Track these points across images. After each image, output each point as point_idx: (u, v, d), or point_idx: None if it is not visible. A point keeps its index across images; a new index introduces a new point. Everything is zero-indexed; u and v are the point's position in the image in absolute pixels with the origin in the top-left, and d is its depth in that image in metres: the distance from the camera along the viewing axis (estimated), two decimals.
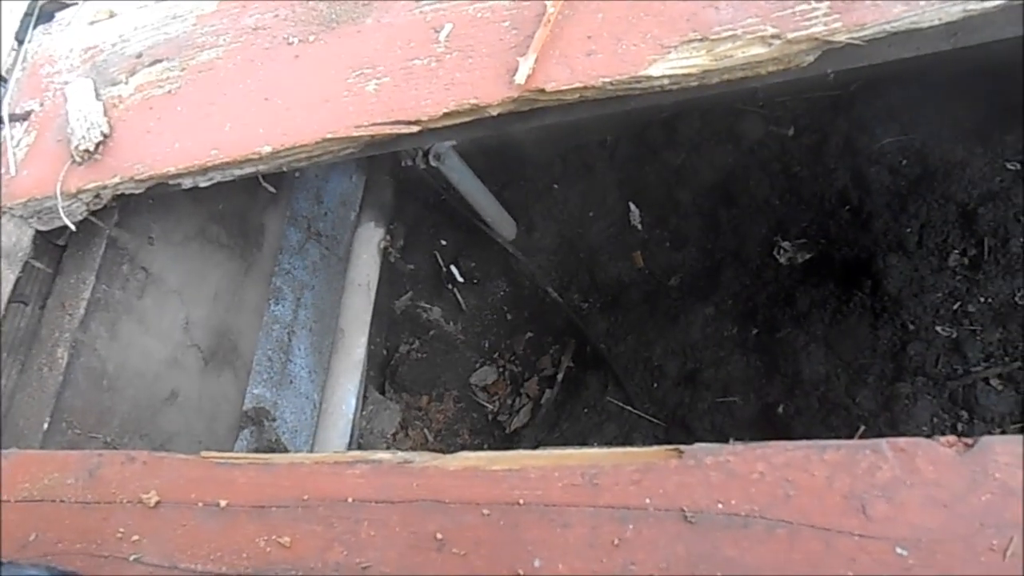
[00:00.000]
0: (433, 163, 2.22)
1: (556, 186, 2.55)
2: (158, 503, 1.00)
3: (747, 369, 2.09)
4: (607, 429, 2.22)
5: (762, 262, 2.18)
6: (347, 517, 0.85)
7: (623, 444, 2.18)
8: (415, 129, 1.07)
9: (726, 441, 2.10)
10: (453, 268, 2.69)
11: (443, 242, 2.74)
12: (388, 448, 2.58)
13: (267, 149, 1.20)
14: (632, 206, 2.43)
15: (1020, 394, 1.77)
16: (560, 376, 2.45)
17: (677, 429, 2.13)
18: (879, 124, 2.13)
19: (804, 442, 0.67)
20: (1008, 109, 2.00)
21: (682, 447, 0.70)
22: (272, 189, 2.03)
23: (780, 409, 1.99)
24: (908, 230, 2.00)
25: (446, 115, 1.04)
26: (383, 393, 2.65)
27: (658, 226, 2.38)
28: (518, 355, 2.59)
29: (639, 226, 2.41)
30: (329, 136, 1.14)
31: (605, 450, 0.73)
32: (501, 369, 2.60)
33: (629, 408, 2.21)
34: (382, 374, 2.68)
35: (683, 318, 2.21)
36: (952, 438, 0.62)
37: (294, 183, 2.36)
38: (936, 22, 0.79)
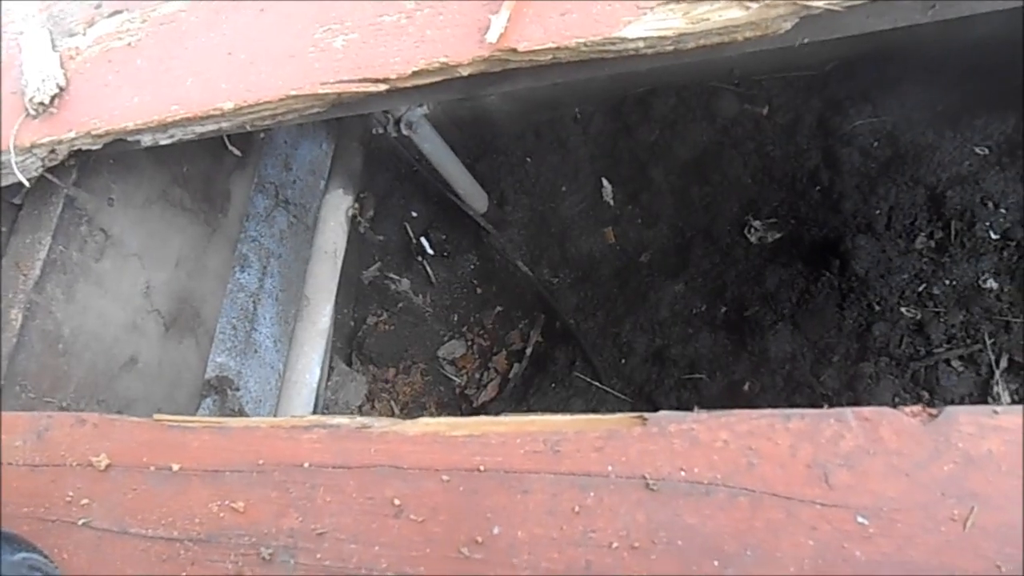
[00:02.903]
0: (405, 132, 2.18)
1: (529, 160, 2.52)
2: (108, 466, 0.97)
3: (714, 346, 2.10)
4: (574, 404, 2.21)
5: (732, 240, 2.18)
6: (303, 482, 0.83)
7: None
8: (383, 88, 1.04)
9: None
10: (423, 240, 2.66)
11: (414, 213, 2.70)
12: None
13: (229, 105, 1.16)
14: (605, 182, 2.41)
15: (980, 376, 1.79)
16: (529, 351, 2.44)
17: (644, 405, 2.13)
18: (852, 105, 2.13)
19: (768, 411, 0.66)
20: (978, 94, 2.02)
21: (646, 414, 0.69)
22: (238, 152, 1.98)
23: (746, 387, 2.00)
24: (877, 212, 2.00)
25: (415, 74, 1.01)
26: (349, 364, 2.62)
27: (630, 202, 2.37)
28: (487, 329, 2.57)
29: (611, 202, 2.40)
30: (294, 93, 1.11)
31: (568, 417, 0.72)
32: (469, 343, 2.59)
33: (596, 383, 2.21)
34: (349, 345, 2.65)
35: (652, 295, 2.21)
36: (917, 408, 0.61)
37: (263, 149, 2.31)
38: None
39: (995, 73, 1.99)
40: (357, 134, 2.17)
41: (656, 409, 2.09)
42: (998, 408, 0.59)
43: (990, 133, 1.99)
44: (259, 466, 0.85)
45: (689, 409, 2.11)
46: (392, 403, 2.58)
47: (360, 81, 1.05)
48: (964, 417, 0.60)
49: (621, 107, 2.42)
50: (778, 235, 2.15)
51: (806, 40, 0.94)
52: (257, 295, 2.29)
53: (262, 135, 2.07)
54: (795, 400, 1.93)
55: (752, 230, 2.17)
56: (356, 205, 2.11)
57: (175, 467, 0.91)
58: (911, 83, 2.10)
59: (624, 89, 2.40)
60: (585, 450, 0.69)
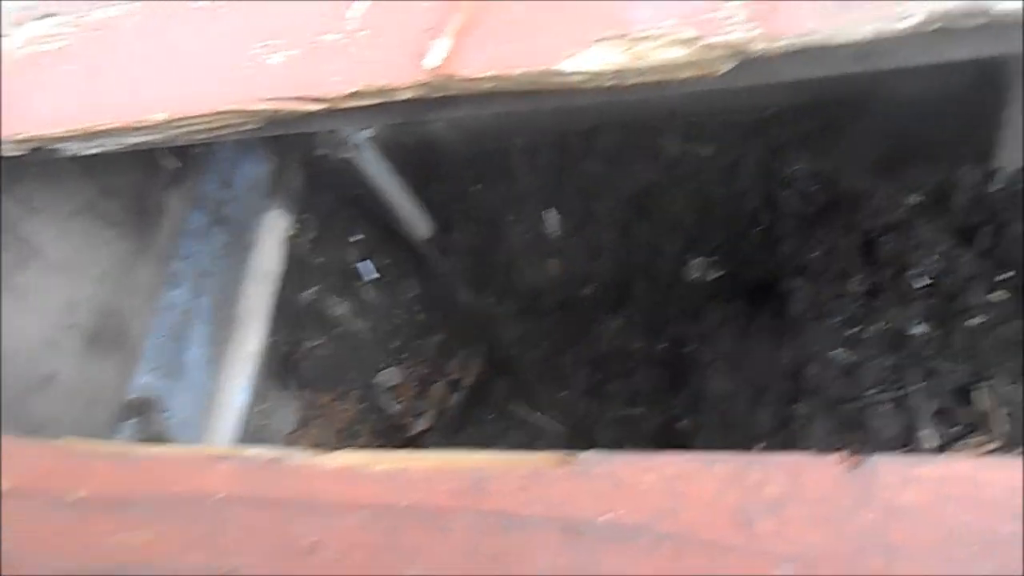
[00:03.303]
0: (349, 154, 2.16)
1: (476, 187, 2.51)
2: (9, 491, 0.90)
3: (653, 383, 2.10)
4: (511, 437, 2.19)
5: (674, 277, 2.20)
6: (211, 517, 0.78)
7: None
8: (320, 107, 1.01)
9: None
10: (365, 264, 2.61)
11: (357, 237, 2.66)
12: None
13: (160, 117, 1.12)
14: (550, 213, 2.41)
15: (908, 420, 1.83)
16: (468, 381, 2.41)
17: (581, 440, 2.12)
18: (792, 150, 2.18)
19: (696, 453, 0.64)
20: (912, 144, 2.09)
21: (572, 453, 0.67)
22: (174, 166, 1.92)
23: (682, 424, 2.01)
24: (814, 255, 2.04)
25: (353, 95, 0.99)
26: (284, 389, 2.55)
27: (575, 235, 2.37)
28: (426, 357, 2.54)
29: (556, 234, 2.40)
30: (228, 108, 1.07)
31: (494, 453, 0.70)
32: (408, 371, 2.54)
33: (534, 416, 2.19)
34: (284, 369, 2.58)
35: (594, 328, 2.21)
36: (842, 455, 0.61)
37: (202, 164, 2.25)
38: (849, 40, 0.79)
39: (927, 126, 2.06)
40: (300, 154, 2.14)
41: (593, 444, 2.09)
42: (922, 457, 0.59)
43: (922, 183, 2.06)
44: (166, 497, 0.81)
45: (626, 445, 2.11)
46: (326, 430, 2.52)
47: (296, 99, 1.02)
48: (886, 466, 0.60)
49: (569, 140, 2.43)
50: (718, 274, 2.18)
51: (745, 83, 0.95)
52: (189, 314, 2.21)
53: (196, 149, 2.02)
54: (730, 439, 1.94)
55: (693, 268, 2.19)
56: (296, 226, 2.06)
57: (78, 495, 0.86)
58: (849, 131, 2.16)
59: (571, 123, 2.42)
60: (510, 489, 0.67)
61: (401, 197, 2.38)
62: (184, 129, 1.15)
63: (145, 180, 1.91)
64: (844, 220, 2.05)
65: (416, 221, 2.45)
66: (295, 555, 0.72)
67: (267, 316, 2.00)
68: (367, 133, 2.17)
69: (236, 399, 1.84)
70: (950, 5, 0.75)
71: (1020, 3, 0.75)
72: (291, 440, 2.49)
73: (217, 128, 1.15)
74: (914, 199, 2.03)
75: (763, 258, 2.11)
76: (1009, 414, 1.74)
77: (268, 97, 1.05)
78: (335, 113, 1.09)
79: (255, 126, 1.15)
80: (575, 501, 0.65)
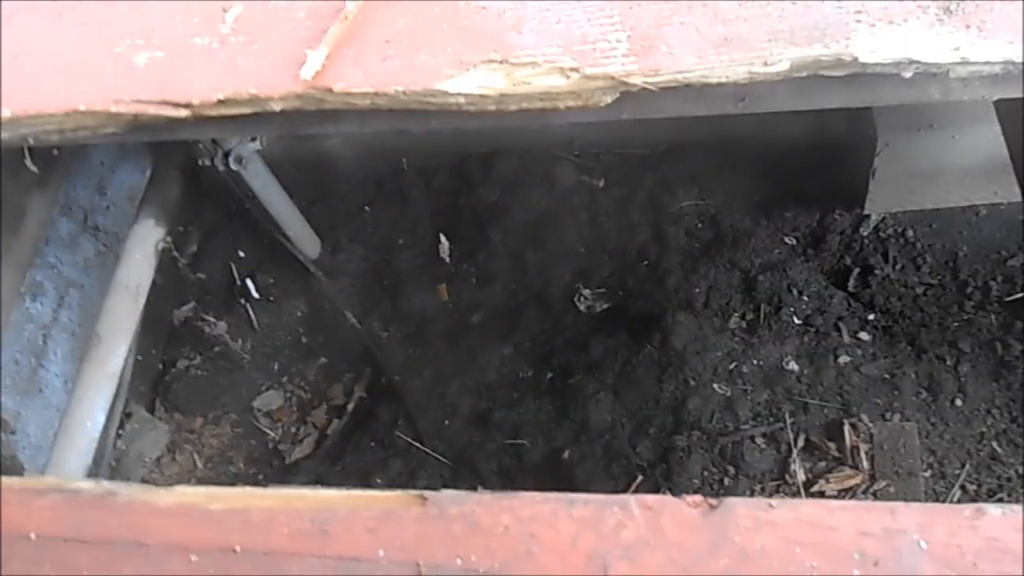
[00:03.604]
0: (234, 166, 2.06)
1: (367, 208, 2.46)
2: None
3: (538, 412, 2.08)
4: (392, 465, 2.12)
5: (563, 307, 2.20)
6: (27, 558, 0.70)
7: (408, 482, 2.09)
8: (184, 113, 0.95)
9: (512, 483, 2.07)
10: (249, 282, 2.50)
11: (241, 253, 2.54)
12: (149, 474, 2.32)
13: (6, 114, 1.02)
14: (443, 238, 2.38)
15: (780, 453, 1.88)
16: (351, 407, 2.33)
17: (464, 469, 2.08)
18: (681, 186, 2.24)
19: (554, 495, 0.62)
20: (789, 188, 2.18)
21: (427, 493, 0.63)
22: (34, 168, 1.77)
23: (566, 455, 2.00)
24: (697, 290, 2.09)
25: (221, 102, 0.93)
26: (152, 412, 2.39)
27: (466, 261, 2.35)
28: (308, 381, 2.43)
29: (447, 259, 2.37)
30: (83, 108, 0.99)
31: (343, 492, 0.65)
32: (289, 394, 2.43)
33: (417, 445, 2.13)
34: (154, 390, 2.42)
35: (481, 356, 2.18)
36: (698, 498, 0.60)
37: (70, 168, 2.10)
38: (724, 80, 0.80)
39: (804, 171, 2.16)
40: (177, 162, 2.02)
41: (476, 474, 2.06)
42: (774, 501, 0.59)
43: (797, 225, 2.15)
44: None
45: (510, 475, 2.07)
46: (195, 456, 2.37)
47: (159, 103, 0.95)
48: (741, 510, 0.59)
49: (464, 165, 2.41)
50: (606, 305, 2.19)
51: (629, 116, 0.95)
52: (49, 328, 2.05)
53: (66, 153, 1.88)
54: (612, 470, 1.95)
55: (582, 298, 2.20)
56: (169, 239, 1.94)
57: None
58: (734, 172, 2.24)
59: (468, 147, 2.41)
60: (356, 531, 0.62)
61: (290, 214, 2.29)
62: (33, 128, 1.05)
63: (4, 181, 1.76)
64: (726, 257, 2.11)
65: (305, 240, 2.37)
66: None
67: (133, 333, 1.87)
68: (254, 146, 2.07)
69: (90, 424, 1.70)
70: (817, 54, 0.77)
71: (886, 57, 0.78)
72: (156, 467, 2.34)
73: (72, 129, 1.06)
74: (790, 240, 2.12)
75: (649, 291, 2.14)
76: (870, 451, 1.82)
77: (128, 99, 0.98)
78: (204, 121, 1.03)
79: (116, 130, 1.07)
80: (427, 545, 0.61)
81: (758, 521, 0.58)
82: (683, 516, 0.60)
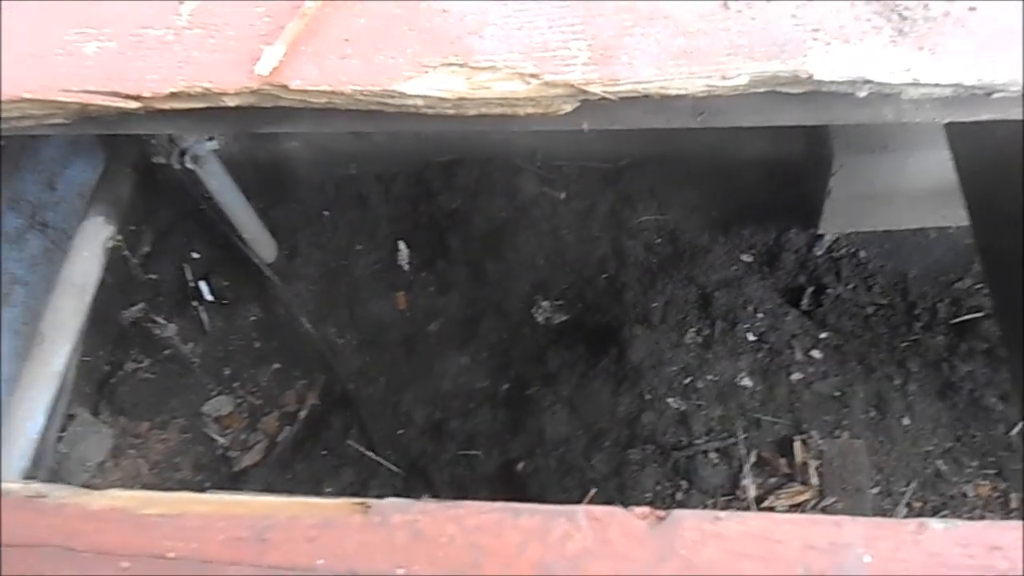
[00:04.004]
0: (189, 165, 2.02)
1: (326, 213, 2.42)
2: None
3: (493, 423, 2.07)
4: (344, 474, 2.09)
5: (521, 318, 2.19)
6: None
7: (359, 491, 2.06)
8: (135, 105, 0.92)
9: (464, 494, 2.05)
10: (202, 284, 2.44)
11: (195, 255, 2.49)
12: (91, 479, 2.25)
13: None
14: (402, 245, 2.36)
15: (732, 468, 1.90)
16: (303, 413, 2.29)
17: (417, 479, 2.05)
18: (640, 201, 2.26)
19: (501, 504, 0.61)
20: (747, 206, 2.21)
21: (369, 501, 0.61)
22: None
23: (520, 466, 1.99)
24: (654, 305, 2.10)
25: (173, 95, 0.90)
26: (96, 415, 2.32)
27: (425, 269, 2.33)
28: (261, 387, 2.38)
29: (406, 266, 2.35)
30: (28, 96, 0.96)
31: (283, 499, 0.63)
32: (240, 400, 2.38)
33: (370, 454, 2.10)
34: (99, 392, 2.35)
35: (438, 365, 2.16)
36: (646, 509, 0.59)
37: (21, 162, 2.04)
38: (682, 91, 0.80)
39: (761, 190, 2.20)
40: (131, 159, 1.97)
41: (429, 484, 2.03)
42: (721, 514, 0.58)
43: (754, 243, 2.18)
44: None
45: (463, 486, 2.05)
46: (140, 461, 2.30)
47: (108, 94, 0.93)
48: (688, 522, 0.58)
49: (426, 172, 2.40)
50: (564, 317, 2.19)
51: (587, 127, 0.95)
52: None
53: (12, 145, 1.82)
54: (566, 483, 1.94)
55: (540, 310, 2.20)
56: (120, 237, 1.89)
57: None
58: (693, 188, 2.26)
59: (430, 154, 2.39)
60: (296, 540, 0.60)
61: (247, 216, 2.25)
62: None
63: None
64: (684, 273, 2.13)
65: (261, 243, 2.33)
66: None
67: (78, 332, 1.81)
68: (211, 145, 2.04)
69: (30, 425, 1.64)
70: (774, 70, 0.78)
71: (841, 75, 0.79)
72: (99, 471, 2.27)
73: (16, 119, 1.02)
74: (747, 257, 2.15)
75: (607, 305, 2.15)
76: (819, 467, 1.84)
77: (76, 89, 0.95)
78: (155, 115, 1.00)
79: (64, 120, 1.03)
80: (368, 554, 0.59)
81: (705, 533, 0.58)
82: (630, 527, 0.59)
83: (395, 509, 0.61)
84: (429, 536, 0.60)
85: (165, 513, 0.64)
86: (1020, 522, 0.55)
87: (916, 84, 0.77)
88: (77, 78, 0.95)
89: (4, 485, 0.71)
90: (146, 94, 0.91)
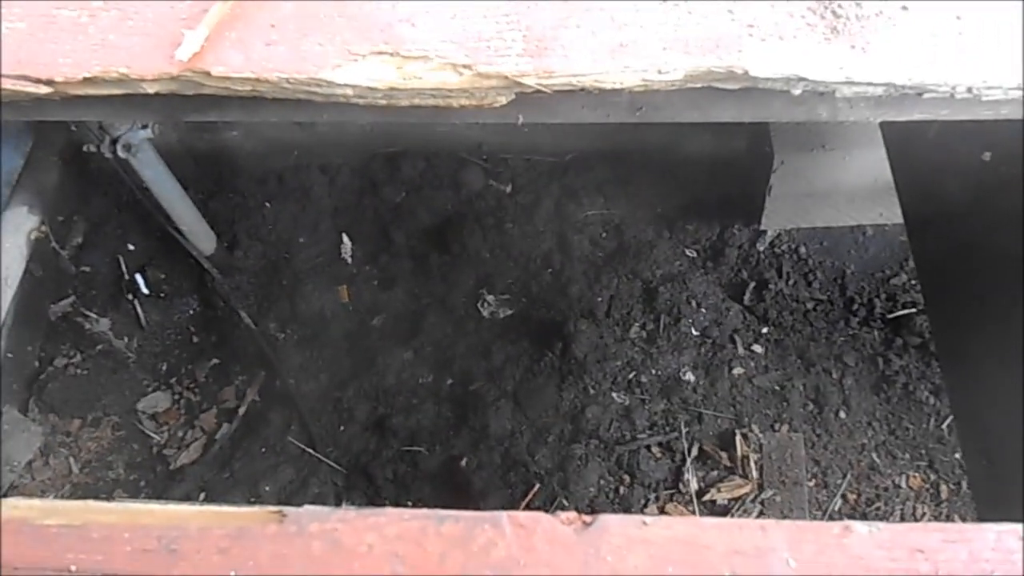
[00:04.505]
0: (122, 154, 1.94)
1: (267, 205, 2.36)
2: None
3: (437, 419, 2.05)
4: (283, 472, 2.04)
5: (466, 312, 2.17)
6: None
7: (299, 489, 2.01)
8: (46, 90, 0.87)
9: (407, 491, 2.01)
10: (138, 277, 2.36)
11: (130, 246, 2.41)
12: (19, 479, 2.16)
13: None
14: (345, 238, 2.32)
15: (674, 462, 1.91)
16: (242, 410, 2.23)
17: (358, 476, 2.02)
18: (586, 195, 2.25)
19: (423, 511, 0.59)
20: (691, 202, 2.22)
21: (285, 509, 0.59)
22: None
23: (464, 462, 1.97)
24: (599, 299, 2.10)
25: (87, 81, 0.85)
26: (24, 412, 2.23)
27: (368, 262, 2.29)
28: (199, 383, 2.31)
29: (349, 259, 2.30)
30: None
31: (193, 508, 0.60)
32: (177, 396, 2.31)
33: (311, 451, 2.06)
34: (27, 389, 2.26)
35: (380, 360, 2.13)
36: (572, 515, 0.57)
37: None
38: (618, 85, 0.78)
39: (705, 186, 2.21)
40: (57, 147, 1.89)
41: (371, 482, 2.00)
42: (648, 519, 0.57)
43: (698, 238, 2.19)
44: None
45: (405, 483, 2.02)
46: (71, 460, 2.22)
47: (18, 78, 0.87)
48: (615, 527, 0.57)
49: (370, 164, 2.36)
50: (509, 312, 2.18)
51: (521, 120, 0.93)
52: None
53: None
54: (510, 478, 1.93)
55: (485, 304, 2.18)
56: (44, 227, 1.81)
57: None
58: (638, 184, 2.27)
59: (375, 146, 2.35)
60: (207, 551, 0.57)
61: (184, 208, 2.18)
62: None
63: None
64: (629, 267, 2.13)
65: (199, 235, 2.26)
66: None
67: (1, 326, 1.73)
68: (145, 134, 1.96)
69: None
70: (709, 65, 0.77)
71: (776, 72, 0.78)
72: (28, 471, 2.18)
73: None
74: (691, 252, 2.16)
75: (552, 299, 2.14)
76: (759, 460, 1.86)
77: None
78: (72, 101, 0.95)
79: None
80: (284, 565, 0.56)
81: (631, 539, 0.56)
82: (556, 534, 0.57)
83: (312, 518, 0.58)
84: (347, 546, 0.57)
85: (68, 524, 0.60)
86: (942, 524, 0.55)
87: (849, 83, 0.77)
88: None
89: None
90: (58, 79, 0.86)
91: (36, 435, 2.22)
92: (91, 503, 0.61)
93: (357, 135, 2.34)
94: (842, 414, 1.96)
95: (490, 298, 2.18)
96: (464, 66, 0.79)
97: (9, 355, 2.08)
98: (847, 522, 0.56)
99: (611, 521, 0.57)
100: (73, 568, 0.59)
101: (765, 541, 0.56)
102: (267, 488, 2.00)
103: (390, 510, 0.58)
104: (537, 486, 1.90)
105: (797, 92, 0.81)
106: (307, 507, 0.58)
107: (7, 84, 0.89)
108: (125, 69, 0.85)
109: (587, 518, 0.57)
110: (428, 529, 0.57)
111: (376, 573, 0.56)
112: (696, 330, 2.05)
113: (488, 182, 2.31)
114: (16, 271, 1.74)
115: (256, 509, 0.58)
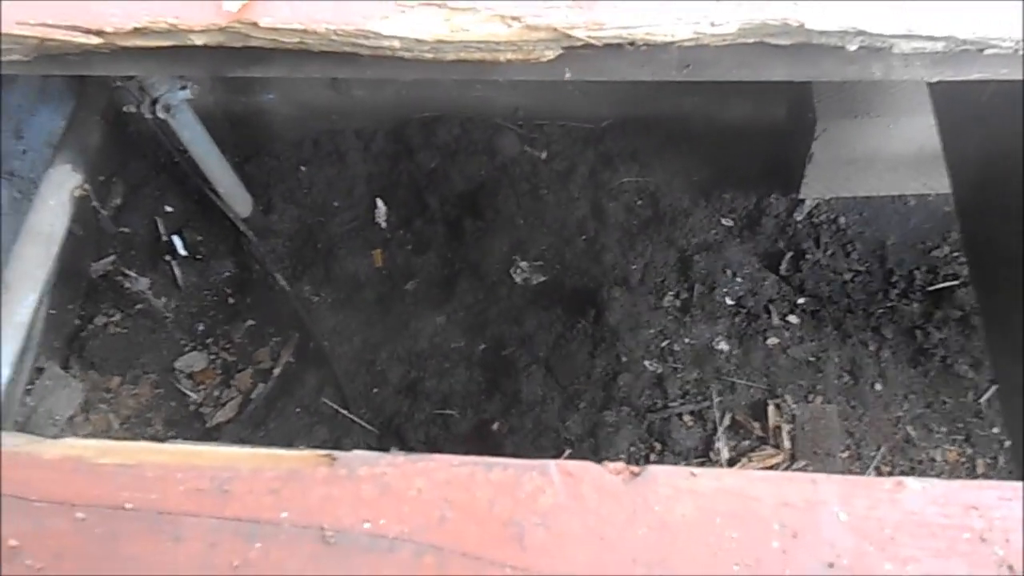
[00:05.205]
0: (161, 115, 1.95)
1: (303, 169, 2.37)
2: None
3: (469, 383, 2.06)
4: (318, 432, 2.07)
5: (498, 279, 2.17)
6: None
7: (332, 449, 2.05)
8: (96, 41, 0.88)
9: (438, 453, 2.04)
10: (175, 238, 2.39)
11: (168, 208, 2.44)
12: (60, 433, 2.22)
13: None
14: (380, 203, 2.32)
15: (706, 431, 1.90)
16: (277, 371, 2.26)
17: (391, 438, 2.04)
18: (622, 163, 2.23)
19: (471, 458, 0.59)
20: (728, 170, 2.19)
21: (335, 453, 0.59)
22: None
23: (495, 426, 1.98)
24: (633, 267, 2.09)
25: (137, 31, 0.86)
26: (66, 369, 2.28)
27: (403, 227, 2.29)
28: (234, 343, 2.35)
29: (383, 224, 2.31)
30: None
31: (246, 450, 0.61)
32: (213, 356, 2.35)
33: (344, 412, 2.08)
34: (68, 346, 2.31)
35: (413, 324, 2.14)
36: (620, 465, 0.58)
37: None
38: (669, 38, 0.77)
39: (743, 154, 2.17)
40: (100, 106, 1.91)
41: (403, 443, 2.02)
42: (696, 470, 0.57)
43: (735, 207, 2.17)
44: None
45: (437, 446, 2.04)
46: (111, 416, 2.27)
47: (68, 29, 0.88)
48: (663, 478, 0.57)
49: (405, 129, 2.35)
50: (542, 278, 2.17)
51: (569, 76, 0.92)
52: None
53: None
54: (541, 443, 1.94)
55: (519, 270, 2.18)
56: (87, 186, 1.84)
57: None
58: (674, 151, 2.24)
59: (410, 111, 2.34)
60: (258, 492, 0.58)
61: (222, 170, 2.20)
62: None
63: None
64: (663, 236, 2.11)
65: (236, 198, 2.28)
66: None
67: (43, 282, 1.76)
68: (184, 94, 1.97)
69: None
70: (764, 17, 0.75)
71: (833, 25, 0.76)
72: (69, 426, 2.24)
73: None
74: (727, 221, 2.13)
75: (586, 266, 2.13)
76: (792, 431, 1.85)
77: (35, 22, 0.90)
78: (120, 53, 0.95)
79: (23, 57, 0.98)
80: (333, 508, 0.57)
81: (679, 490, 0.56)
82: (604, 483, 0.57)
83: (362, 462, 0.59)
84: (397, 490, 0.58)
85: (122, 463, 0.61)
86: (997, 481, 0.54)
87: (909, 36, 0.75)
88: (35, 11, 0.90)
89: None
90: (108, 29, 0.87)
91: (77, 391, 2.27)
92: (145, 444, 0.62)
93: (392, 100, 2.34)
94: (878, 386, 1.94)
95: (523, 264, 2.18)
96: (513, 18, 0.78)
97: (52, 312, 2.12)
98: (899, 478, 0.55)
99: (659, 472, 0.57)
100: (128, 506, 0.60)
101: (816, 494, 0.56)
102: (301, 447, 2.03)
103: (439, 456, 0.58)
104: (568, 451, 1.91)
105: (852, 48, 0.79)
106: (356, 452, 0.59)
107: (57, 35, 0.90)
108: (174, 19, 0.85)
109: (635, 468, 0.58)
110: (477, 475, 0.58)
111: (425, 517, 0.56)
112: (731, 299, 2.03)
113: (523, 148, 2.30)
114: (60, 229, 1.76)
115: (306, 452, 0.59)
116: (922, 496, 0.55)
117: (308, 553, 0.56)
